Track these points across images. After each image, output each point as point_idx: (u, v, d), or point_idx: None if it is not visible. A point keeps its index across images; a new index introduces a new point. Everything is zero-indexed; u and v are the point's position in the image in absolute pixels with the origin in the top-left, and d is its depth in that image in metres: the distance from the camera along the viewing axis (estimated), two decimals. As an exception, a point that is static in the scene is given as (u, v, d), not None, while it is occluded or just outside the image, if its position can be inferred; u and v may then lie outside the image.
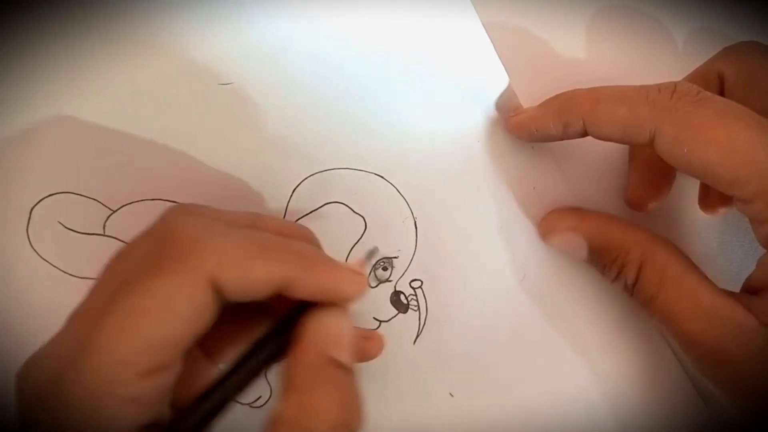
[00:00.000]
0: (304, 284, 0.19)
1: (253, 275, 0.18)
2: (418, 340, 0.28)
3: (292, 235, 0.22)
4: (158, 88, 0.24)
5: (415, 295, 0.28)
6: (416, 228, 0.27)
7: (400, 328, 0.28)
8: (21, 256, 0.24)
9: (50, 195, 0.24)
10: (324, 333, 0.19)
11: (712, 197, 0.28)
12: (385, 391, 0.28)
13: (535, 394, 0.29)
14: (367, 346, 0.23)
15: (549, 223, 0.28)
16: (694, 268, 0.24)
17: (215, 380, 0.19)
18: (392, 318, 0.28)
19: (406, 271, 0.27)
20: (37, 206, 0.24)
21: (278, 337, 0.20)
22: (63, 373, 0.17)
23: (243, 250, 0.18)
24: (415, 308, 0.28)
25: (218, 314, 0.19)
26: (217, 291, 0.18)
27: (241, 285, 0.18)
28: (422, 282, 0.28)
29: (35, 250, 0.24)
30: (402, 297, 0.27)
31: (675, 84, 0.22)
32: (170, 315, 0.17)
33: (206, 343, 0.22)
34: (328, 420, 0.18)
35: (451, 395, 0.28)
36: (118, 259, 0.19)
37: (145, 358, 0.17)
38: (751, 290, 0.23)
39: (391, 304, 0.27)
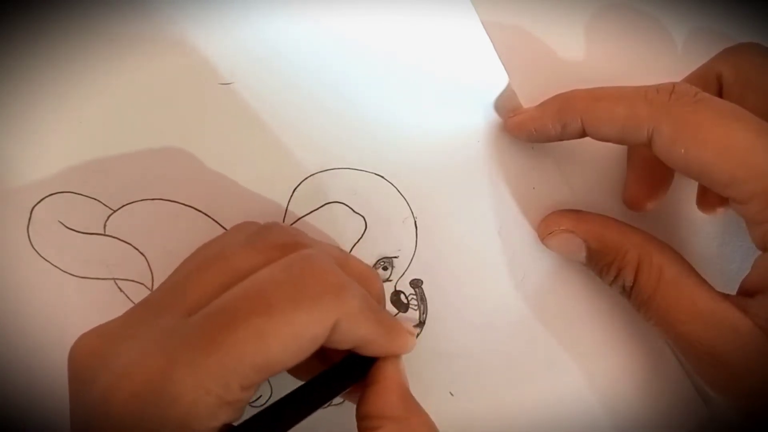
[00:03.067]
0: (380, 348, 0.21)
1: (358, 333, 0.20)
2: (418, 339, 0.28)
3: (370, 279, 0.23)
4: (159, 87, 0.24)
5: (415, 295, 0.28)
6: (416, 228, 0.27)
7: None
8: (21, 256, 0.24)
9: (51, 194, 0.24)
10: (402, 371, 0.22)
11: (709, 197, 0.28)
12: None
13: (535, 393, 0.29)
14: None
15: (547, 225, 0.28)
16: (691, 270, 0.24)
17: (286, 398, 0.20)
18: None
19: (406, 271, 0.27)
20: (37, 206, 0.24)
21: (341, 377, 0.22)
22: (176, 368, 0.17)
23: (361, 309, 0.20)
24: (415, 308, 0.28)
25: None
26: (333, 332, 0.19)
27: (346, 337, 0.20)
28: (422, 282, 0.28)
29: (35, 250, 0.24)
30: (402, 297, 0.28)
31: (673, 84, 0.22)
32: (294, 345, 0.18)
33: None
34: None
35: (451, 395, 0.28)
36: (261, 278, 0.19)
37: (256, 375, 0.18)
38: (747, 292, 0.23)
39: (391, 304, 0.28)
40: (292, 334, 0.18)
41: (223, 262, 0.20)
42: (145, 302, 0.21)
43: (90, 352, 0.19)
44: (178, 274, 0.21)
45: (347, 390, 0.22)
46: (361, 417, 0.21)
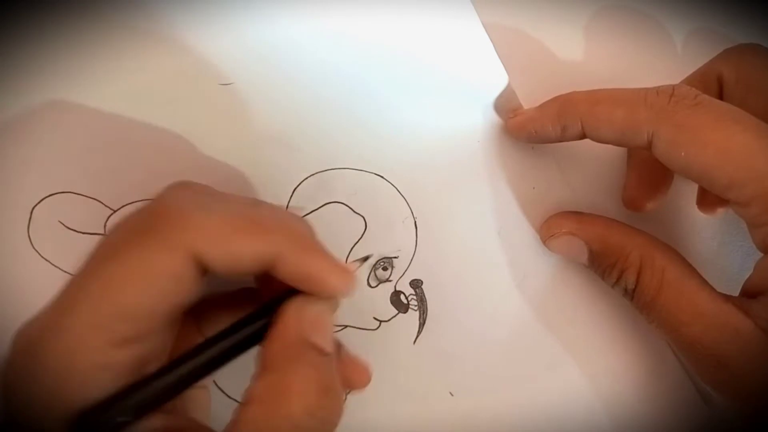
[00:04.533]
0: (290, 266, 0.19)
1: (239, 250, 0.18)
2: (418, 339, 0.28)
3: (286, 221, 0.21)
4: (159, 87, 0.24)
5: (415, 295, 0.28)
6: (416, 228, 0.27)
7: (400, 328, 0.28)
8: (22, 256, 0.24)
9: (51, 195, 0.24)
10: (305, 317, 0.19)
11: (709, 197, 0.28)
12: (385, 390, 0.28)
13: (535, 394, 0.29)
14: (353, 374, 0.22)
15: (549, 227, 0.27)
16: (693, 271, 0.24)
17: (189, 351, 0.19)
18: (392, 318, 0.28)
19: (406, 271, 0.27)
20: (38, 206, 0.24)
21: (259, 319, 0.20)
22: (43, 333, 0.17)
23: (230, 226, 0.19)
24: (415, 308, 0.28)
25: (202, 289, 0.19)
26: (200, 265, 0.18)
27: (226, 260, 0.18)
28: (422, 282, 0.28)
29: (36, 250, 0.24)
30: (402, 297, 0.28)
31: (673, 87, 0.22)
32: (146, 285, 0.18)
33: (202, 322, 0.22)
34: (304, 402, 0.18)
35: (451, 395, 0.28)
36: (114, 229, 0.19)
37: (120, 326, 0.17)
38: (749, 294, 0.23)
39: (391, 304, 0.28)
40: (141, 274, 0.17)
41: (102, 241, 0.20)
42: None
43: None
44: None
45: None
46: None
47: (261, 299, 0.22)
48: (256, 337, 0.19)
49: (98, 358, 0.17)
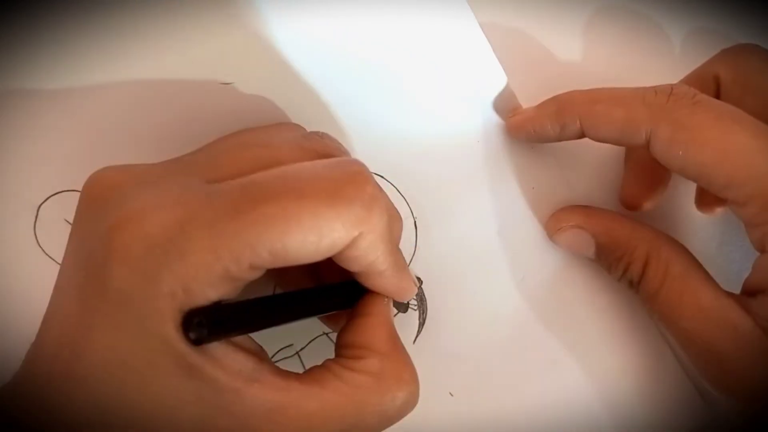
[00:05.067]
0: (386, 280, 0.21)
1: (373, 255, 0.19)
2: (417, 339, 0.28)
3: (395, 217, 0.23)
4: (160, 87, 0.24)
5: (415, 295, 0.28)
6: (416, 228, 0.28)
7: (400, 327, 0.27)
8: (27, 254, 0.24)
9: (57, 193, 0.24)
10: (392, 312, 0.22)
11: (708, 197, 0.28)
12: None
13: (534, 393, 0.29)
14: None
15: (556, 221, 0.28)
16: (699, 267, 0.24)
17: (296, 292, 0.21)
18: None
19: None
20: (44, 204, 0.24)
21: (350, 293, 0.22)
22: (211, 223, 0.17)
23: (385, 232, 0.19)
24: (415, 308, 0.28)
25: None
26: (352, 245, 0.18)
27: (361, 255, 0.19)
28: (422, 282, 0.28)
29: (42, 248, 0.24)
30: (402, 297, 0.28)
31: (671, 86, 0.23)
32: (315, 240, 0.17)
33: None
34: (407, 391, 0.20)
35: (451, 395, 0.28)
36: (308, 169, 0.19)
37: (269, 258, 0.17)
38: (748, 293, 0.23)
39: (392, 305, 0.28)
40: (317, 228, 0.17)
41: (266, 149, 0.20)
42: (176, 159, 0.20)
43: (109, 185, 0.18)
44: (216, 144, 0.21)
45: (334, 312, 0.22)
46: (343, 344, 0.21)
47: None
48: (342, 304, 0.22)
49: (235, 272, 0.17)
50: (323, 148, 0.21)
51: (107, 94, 0.24)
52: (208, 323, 0.17)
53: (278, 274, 0.21)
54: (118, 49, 0.24)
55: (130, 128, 0.24)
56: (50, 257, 0.25)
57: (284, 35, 0.25)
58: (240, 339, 0.19)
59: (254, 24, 0.24)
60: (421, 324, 0.28)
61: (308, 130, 0.23)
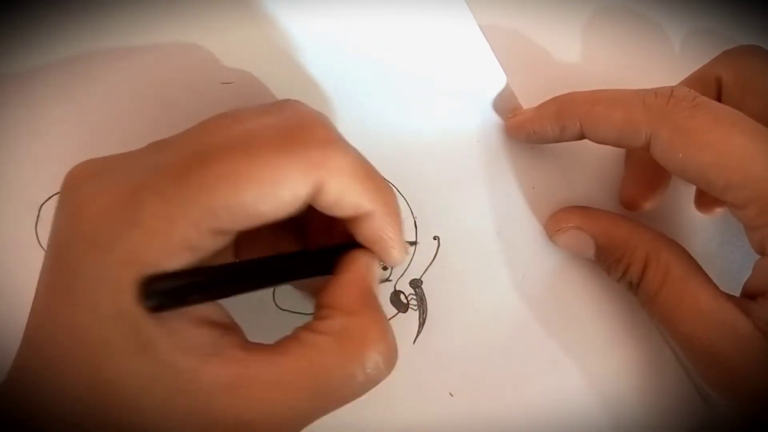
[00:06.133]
0: (374, 228, 0.20)
1: (352, 199, 0.19)
2: (417, 339, 0.28)
3: (385, 190, 0.21)
4: (160, 86, 0.24)
5: (415, 295, 0.28)
6: (416, 228, 0.28)
7: (400, 327, 0.28)
8: (29, 254, 0.24)
9: (58, 192, 0.24)
10: (372, 272, 0.21)
11: (707, 197, 0.28)
12: (385, 390, 0.27)
13: (534, 393, 0.29)
14: None
15: (556, 222, 0.28)
16: (698, 269, 0.24)
17: (262, 258, 0.19)
18: (392, 318, 0.28)
19: (405, 270, 0.28)
20: (45, 204, 0.24)
21: (329, 256, 0.21)
22: (162, 188, 0.16)
23: (354, 170, 0.18)
24: (415, 308, 0.28)
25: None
26: (316, 195, 0.18)
27: (338, 200, 0.18)
28: (422, 282, 0.28)
29: (43, 248, 0.24)
30: (402, 296, 0.28)
31: (672, 89, 0.23)
32: (272, 193, 0.17)
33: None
34: (377, 350, 0.19)
35: (451, 395, 0.28)
36: (255, 114, 0.18)
37: (229, 219, 0.17)
38: (748, 295, 0.23)
39: (390, 304, 0.28)
40: (271, 180, 0.17)
41: (231, 120, 0.19)
42: (152, 143, 0.20)
43: (84, 173, 0.18)
44: (191, 127, 0.20)
45: (317, 280, 0.21)
46: (317, 306, 0.20)
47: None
48: (318, 270, 0.21)
49: (192, 236, 0.17)
50: (294, 109, 0.20)
51: (108, 95, 0.24)
52: (166, 290, 0.16)
53: (262, 244, 0.20)
54: (119, 49, 0.24)
55: (131, 128, 0.24)
56: (51, 257, 0.25)
57: (284, 35, 0.25)
58: (207, 312, 0.18)
59: (254, 24, 0.24)
60: (421, 324, 0.28)
61: (297, 101, 0.22)
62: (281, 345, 0.19)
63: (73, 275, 0.16)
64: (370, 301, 0.20)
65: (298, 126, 0.18)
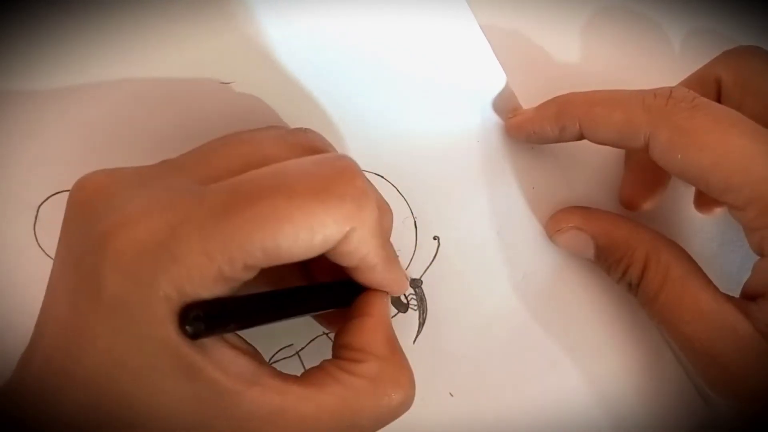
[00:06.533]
0: (378, 275, 0.21)
1: (364, 250, 0.19)
2: (417, 339, 0.28)
3: (384, 209, 0.22)
4: (160, 86, 0.24)
5: (415, 295, 0.28)
6: (416, 228, 0.28)
7: (400, 327, 0.28)
8: (27, 254, 0.24)
9: (57, 193, 0.24)
10: (389, 311, 0.22)
11: (706, 197, 0.28)
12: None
13: (534, 394, 0.29)
14: None
15: (555, 222, 0.28)
16: (698, 270, 0.24)
17: (288, 290, 0.20)
18: (392, 317, 0.28)
19: (405, 270, 0.28)
20: (44, 204, 0.24)
21: (347, 292, 0.22)
22: (200, 222, 0.17)
23: (375, 226, 0.19)
24: (415, 308, 0.28)
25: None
26: (344, 241, 0.19)
27: (353, 250, 0.19)
28: (422, 282, 0.28)
29: (41, 248, 0.24)
30: (401, 296, 0.28)
31: (671, 89, 0.23)
32: (307, 238, 0.17)
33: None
34: (403, 395, 0.20)
35: (451, 395, 0.28)
36: (291, 165, 0.19)
37: (262, 257, 0.17)
38: (748, 296, 0.23)
39: (390, 304, 0.28)
40: (308, 226, 0.17)
41: (252, 145, 0.20)
42: (163, 162, 0.20)
43: (97, 188, 0.18)
44: (203, 146, 0.21)
45: (330, 311, 0.22)
46: (341, 345, 0.21)
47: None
48: (339, 302, 0.22)
49: (229, 273, 0.17)
50: (308, 142, 0.21)
51: (107, 94, 0.24)
52: (204, 317, 0.17)
53: (269, 272, 0.21)
54: (118, 49, 0.24)
55: (130, 128, 0.24)
56: (50, 257, 0.25)
57: (284, 35, 0.25)
58: (237, 342, 0.19)
59: (254, 24, 0.24)
60: (421, 324, 0.28)
61: (308, 129, 0.23)
62: (314, 379, 0.19)
63: (111, 306, 0.17)
64: (396, 345, 0.21)
65: (339, 176, 0.19)
